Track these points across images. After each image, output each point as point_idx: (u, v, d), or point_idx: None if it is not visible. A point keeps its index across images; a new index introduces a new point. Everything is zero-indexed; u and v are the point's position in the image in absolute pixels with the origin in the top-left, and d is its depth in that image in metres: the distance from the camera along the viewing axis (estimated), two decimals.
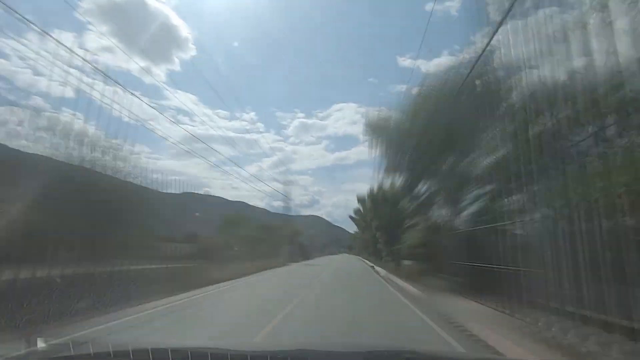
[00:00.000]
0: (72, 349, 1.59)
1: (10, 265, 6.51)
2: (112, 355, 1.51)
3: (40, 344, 1.59)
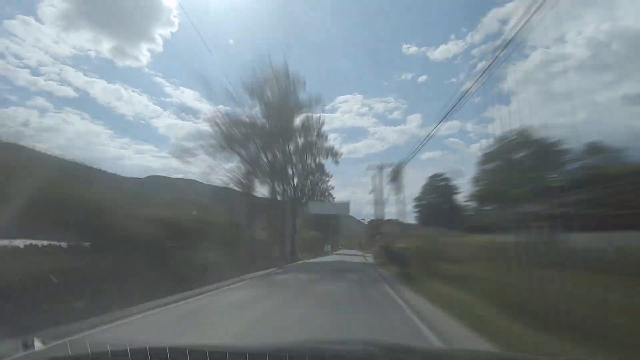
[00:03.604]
0: (69, 349, 1.59)
1: None
2: (110, 355, 1.52)
3: (38, 345, 1.59)
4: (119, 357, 1.51)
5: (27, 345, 1.60)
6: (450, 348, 4.06)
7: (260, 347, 1.96)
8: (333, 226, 58.48)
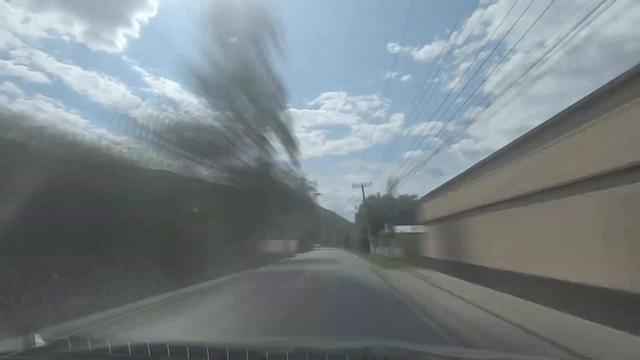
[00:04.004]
0: (70, 345, 1.59)
1: None
2: (110, 351, 1.53)
3: (39, 341, 1.59)
4: (119, 354, 1.52)
5: (28, 342, 1.60)
6: (453, 348, 4.06)
7: (260, 344, 1.97)
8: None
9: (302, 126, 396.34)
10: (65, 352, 1.59)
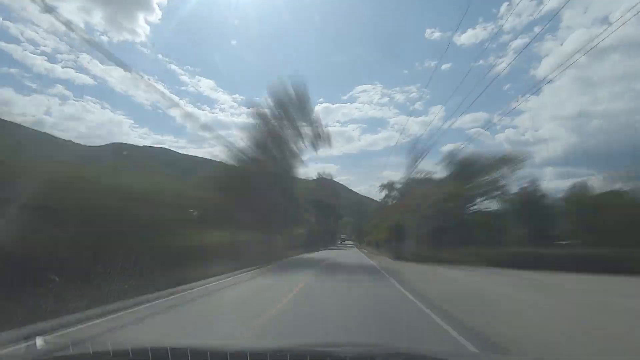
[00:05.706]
0: (71, 347, 1.59)
1: None
2: (111, 354, 1.52)
3: (40, 343, 1.59)
4: (120, 357, 1.52)
5: (29, 344, 1.61)
6: (458, 352, 4.02)
7: (261, 348, 1.95)
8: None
9: (337, 121, 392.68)
10: (66, 354, 1.58)
